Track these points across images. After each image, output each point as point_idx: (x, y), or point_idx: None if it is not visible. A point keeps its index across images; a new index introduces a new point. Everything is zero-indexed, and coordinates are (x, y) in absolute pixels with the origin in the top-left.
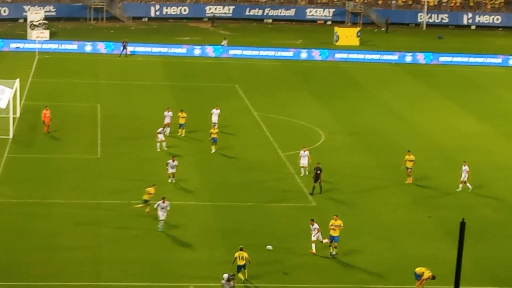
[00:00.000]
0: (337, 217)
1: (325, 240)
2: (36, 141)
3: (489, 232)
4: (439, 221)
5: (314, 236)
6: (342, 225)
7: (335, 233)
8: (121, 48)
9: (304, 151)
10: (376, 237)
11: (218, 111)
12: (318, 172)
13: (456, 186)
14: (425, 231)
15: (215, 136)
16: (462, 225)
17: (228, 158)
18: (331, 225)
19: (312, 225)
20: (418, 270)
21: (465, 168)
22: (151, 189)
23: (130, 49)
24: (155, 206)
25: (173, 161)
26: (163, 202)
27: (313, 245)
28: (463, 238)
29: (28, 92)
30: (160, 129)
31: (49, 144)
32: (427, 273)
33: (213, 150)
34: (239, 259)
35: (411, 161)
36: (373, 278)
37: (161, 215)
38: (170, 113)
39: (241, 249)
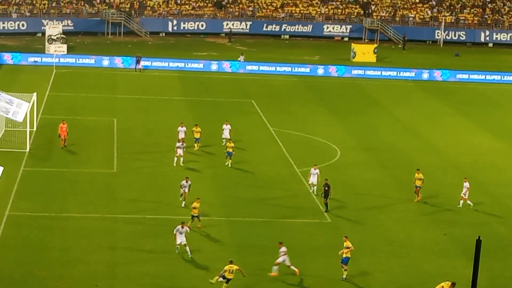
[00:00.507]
0: (347, 238)
1: (292, 267)
2: (52, 155)
3: (505, 249)
4: (455, 239)
5: (280, 259)
6: (351, 247)
7: (345, 255)
8: (135, 62)
9: (315, 169)
10: (390, 254)
11: (228, 126)
12: (326, 188)
13: (474, 203)
14: (440, 248)
15: (230, 150)
16: (478, 242)
17: (244, 173)
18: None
19: (280, 248)
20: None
21: (466, 184)
22: (195, 204)
23: (143, 63)
24: (174, 231)
25: (186, 181)
26: (182, 227)
27: (275, 267)
28: (479, 255)
29: (45, 106)
30: (179, 144)
31: (66, 158)
32: (446, 285)
33: (228, 164)
34: (229, 272)
35: (420, 179)
36: None
37: (179, 239)
38: (184, 128)
39: (230, 262)
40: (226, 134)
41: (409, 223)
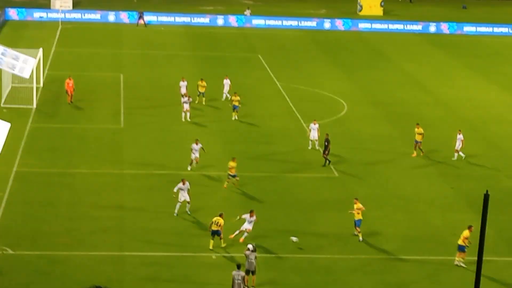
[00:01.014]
0: (357, 200)
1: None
2: (59, 111)
3: None
4: (462, 192)
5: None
6: (362, 207)
7: (357, 217)
8: (137, 18)
9: (315, 124)
10: (397, 208)
11: (228, 81)
12: (326, 143)
13: (481, 156)
14: (448, 202)
15: (236, 103)
16: (486, 197)
17: (251, 127)
18: (352, 210)
19: (252, 216)
20: (460, 241)
21: (460, 136)
22: (232, 163)
23: (147, 18)
24: (175, 189)
25: (197, 144)
26: (183, 184)
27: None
28: (486, 210)
29: (51, 62)
30: (185, 99)
31: (72, 114)
32: (465, 232)
33: (234, 117)
34: (215, 224)
35: (420, 134)
36: (394, 248)
37: (182, 197)
38: (185, 83)
39: (220, 215)
40: (226, 88)
41: (416, 177)
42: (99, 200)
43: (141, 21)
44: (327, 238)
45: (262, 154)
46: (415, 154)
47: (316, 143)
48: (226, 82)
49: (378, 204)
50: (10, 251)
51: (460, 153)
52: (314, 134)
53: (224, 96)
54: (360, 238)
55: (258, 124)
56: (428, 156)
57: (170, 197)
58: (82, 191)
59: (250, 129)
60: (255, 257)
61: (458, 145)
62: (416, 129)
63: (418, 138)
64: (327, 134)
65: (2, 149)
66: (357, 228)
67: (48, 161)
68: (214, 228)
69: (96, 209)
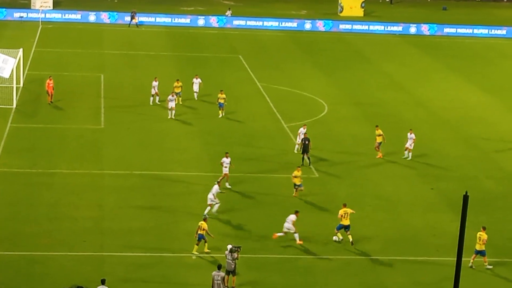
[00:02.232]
0: (345, 206)
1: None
2: (39, 111)
3: (491, 204)
4: (441, 193)
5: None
6: (349, 212)
7: (345, 222)
8: (130, 18)
9: (304, 129)
10: (377, 209)
11: (199, 80)
12: (306, 142)
13: (461, 157)
14: (428, 202)
15: (221, 101)
16: (465, 198)
17: (232, 128)
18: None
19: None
20: (480, 246)
21: (411, 136)
22: (296, 172)
23: (127, 19)
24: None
25: (227, 157)
26: (172, 96)
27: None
28: (466, 211)
29: (31, 62)
30: (170, 96)
31: (53, 114)
32: (484, 235)
33: (220, 115)
34: (200, 229)
35: (380, 135)
36: (375, 249)
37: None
38: (157, 83)
39: (204, 219)
40: (195, 88)
41: (396, 177)
42: (79, 200)
43: (134, 21)
44: (307, 239)
45: (243, 155)
46: (380, 155)
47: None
48: (196, 81)
49: (359, 205)
50: None
51: (407, 152)
52: (300, 138)
53: (196, 95)
54: (351, 240)
55: (238, 125)
56: (408, 156)
57: (151, 197)
58: (62, 191)
59: (230, 129)
60: (236, 258)
61: (410, 144)
62: (376, 131)
63: (378, 139)
64: (305, 133)
65: None
66: (347, 231)
67: (28, 161)
68: (200, 232)
69: (76, 210)
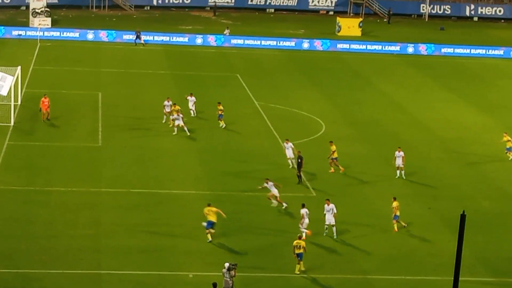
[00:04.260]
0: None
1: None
2: (37, 129)
3: (489, 223)
4: (439, 212)
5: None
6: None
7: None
8: (135, 37)
9: (287, 143)
10: (375, 228)
11: (193, 98)
12: (299, 160)
13: (458, 176)
14: (425, 222)
15: (220, 112)
16: (463, 217)
17: (229, 146)
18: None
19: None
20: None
21: (400, 154)
22: (395, 203)
23: (125, 37)
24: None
25: (267, 182)
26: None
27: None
28: (463, 230)
29: (29, 79)
30: (175, 115)
31: (50, 132)
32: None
33: (222, 126)
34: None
35: (334, 151)
36: (371, 268)
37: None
38: (169, 103)
39: (208, 205)
40: (190, 105)
41: (392, 197)
42: (76, 218)
43: (141, 40)
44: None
45: (240, 173)
46: (332, 170)
47: (293, 161)
48: (191, 99)
49: (356, 223)
50: None
51: (399, 171)
52: (289, 153)
53: (192, 113)
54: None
55: (236, 143)
56: (405, 175)
57: (148, 215)
58: (59, 209)
59: (227, 147)
60: (233, 276)
61: (400, 162)
62: (330, 147)
63: (334, 155)
64: (299, 152)
65: None
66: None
67: (25, 179)
68: (211, 219)
69: (73, 227)
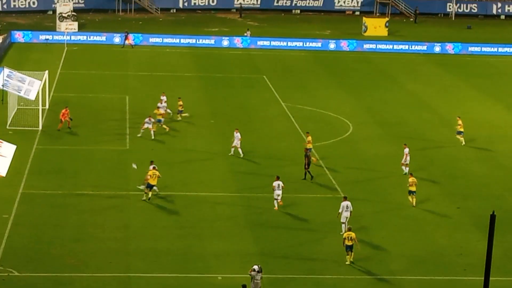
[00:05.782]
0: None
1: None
2: (65, 133)
3: None
4: (468, 212)
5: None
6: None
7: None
8: (123, 39)
9: (236, 133)
10: (403, 228)
11: (165, 97)
12: (307, 156)
13: (487, 176)
14: (454, 222)
15: (180, 108)
16: (492, 217)
17: (255, 148)
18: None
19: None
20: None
21: (406, 150)
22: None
23: (152, 40)
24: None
25: (277, 179)
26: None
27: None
28: (493, 230)
29: (56, 84)
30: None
31: (78, 135)
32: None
33: (185, 115)
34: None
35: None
36: (400, 269)
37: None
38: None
39: (154, 168)
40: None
41: (421, 197)
42: (105, 221)
43: (128, 42)
44: (333, 259)
45: (267, 175)
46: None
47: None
48: (164, 99)
49: (384, 224)
50: (16, 273)
51: (406, 167)
52: (236, 142)
53: (170, 112)
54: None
55: (264, 145)
56: (434, 175)
57: (176, 217)
58: (88, 213)
59: (254, 149)
60: (261, 278)
61: (405, 158)
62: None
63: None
64: (306, 149)
65: (8, 171)
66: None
67: (53, 183)
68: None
69: (102, 231)
